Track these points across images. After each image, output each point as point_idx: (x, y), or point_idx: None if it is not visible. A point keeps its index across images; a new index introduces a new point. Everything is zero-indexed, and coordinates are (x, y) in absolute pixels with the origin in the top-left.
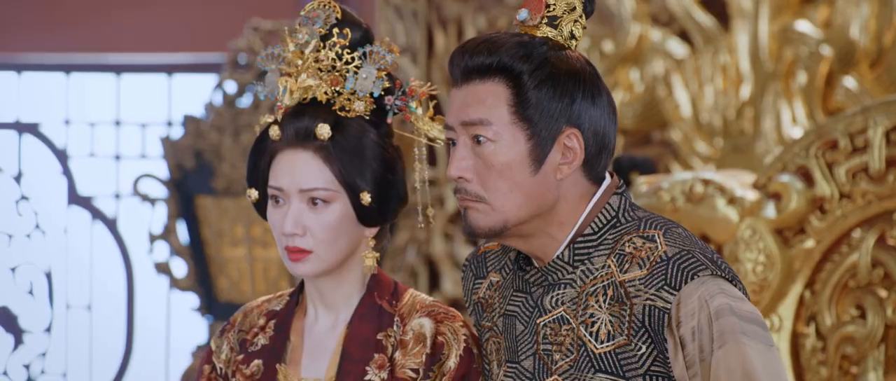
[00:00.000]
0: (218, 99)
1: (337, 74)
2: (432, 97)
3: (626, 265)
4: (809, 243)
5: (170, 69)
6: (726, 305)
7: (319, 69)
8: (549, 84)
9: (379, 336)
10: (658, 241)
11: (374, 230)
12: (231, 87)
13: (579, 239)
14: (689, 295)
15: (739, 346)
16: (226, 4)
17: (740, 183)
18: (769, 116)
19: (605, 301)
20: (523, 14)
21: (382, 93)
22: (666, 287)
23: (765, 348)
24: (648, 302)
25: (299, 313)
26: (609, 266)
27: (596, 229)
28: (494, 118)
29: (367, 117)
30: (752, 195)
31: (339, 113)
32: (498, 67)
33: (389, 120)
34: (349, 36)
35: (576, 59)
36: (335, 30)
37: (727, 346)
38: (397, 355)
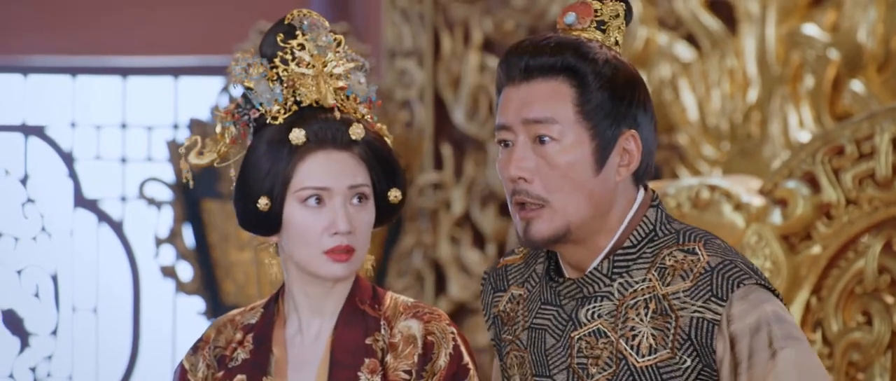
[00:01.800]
0: (224, 102)
1: (345, 79)
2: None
3: (669, 278)
4: (816, 250)
5: (176, 72)
6: (777, 312)
7: (330, 74)
8: (612, 85)
9: (368, 341)
10: (700, 252)
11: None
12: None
13: (619, 251)
14: (738, 300)
15: (802, 348)
16: (232, 7)
17: (746, 189)
18: (776, 120)
19: (647, 315)
20: (571, 17)
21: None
22: (713, 298)
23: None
24: (696, 314)
25: (278, 323)
26: (650, 279)
27: (635, 242)
28: (560, 117)
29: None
30: (758, 201)
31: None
32: (562, 66)
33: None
34: (341, 42)
35: (631, 64)
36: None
37: (791, 348)
38: (389, 358)
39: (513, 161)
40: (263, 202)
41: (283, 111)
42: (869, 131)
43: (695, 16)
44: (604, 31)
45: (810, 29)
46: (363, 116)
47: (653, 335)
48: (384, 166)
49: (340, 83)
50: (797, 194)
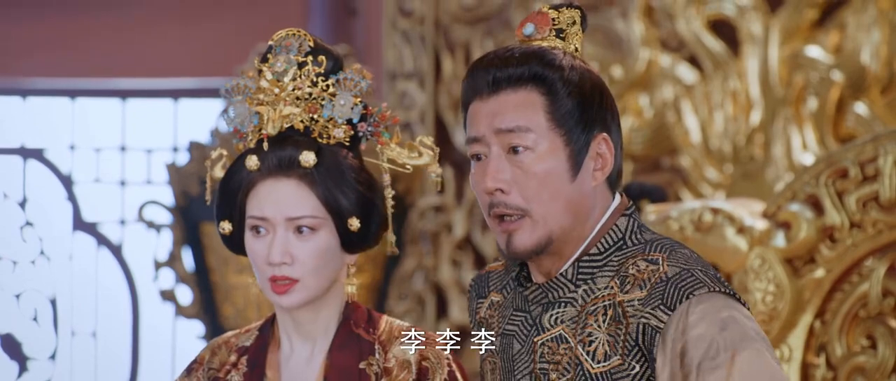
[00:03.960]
0: (223, 125)
1: (314, 101)
2: (400, 124)
3: (628, 286)
4: (819, 273)
5: (175, 94)
6: (733, 316)
7: (297, 98)
8: (580, 91)
9: (361, 365)
10: (661, 263)
11: (354, 258)
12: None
13: (585, 258)
14: (685, 312)
15: (760, 353)
16: (231, 29)
17: (749, 212)
18: (779, 142)
19: (604, 321)
20: (530, 28)
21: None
22: (661, 306)
23: (777, 364)
24: (643, 321)
25: (272, 346)
26: (612, 287)
27: (602, 250)
28: (533, 126)
29: (346, 144)
30: (761, 224)
31: (318, 140)
32: (530, 75)
33: (363, 146)
34: (324, 63)
35: (594, 69)
36: (309, 58)
37: (746, 352)
38: None
39: (488, 173)
40: (225, 227)
41: (256, 135)
42: (873, 154)
43: (697, 37)
44: (563, 39)
45: (813, 51)
46: (339, 139)
47: (607, 341)
48: (339, 194)
49: (296, 109)
50: (800, 217)
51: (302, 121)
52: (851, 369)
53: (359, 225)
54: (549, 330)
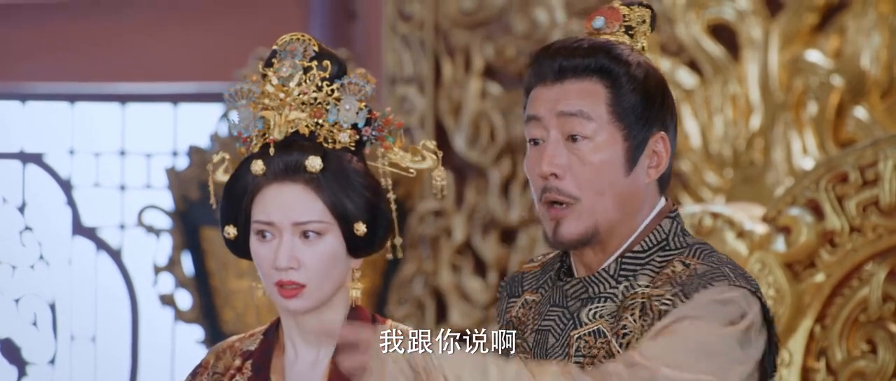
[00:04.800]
0: (223, 130)
1: (319, 106)
2: (404, 128)
3: (659, 282)
4: (819, 278)
5: (175, 99)
6: (733, 299)
7: (302, 102)
8: (644, 87)
9: None
10: (693, 264)
11: (359, 262)
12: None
13: (628, 255)
14: (695, 297)
15: (713, 324)
16: (231, 34)
17: (749, 216)
18: (779, 147)
19: (639, 315)
20: (599, 21)
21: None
22: (680, 293)
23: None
24: (663, 308)
25: (277, 351)
26: (650, 285)
27: (645, 248)
28: (595, 115)
29: (352, 149)
30: (761, 229)
31: (324, 145)
32: (596, 67)
33: (366, 150)
34: (329, 68)
35: (659, 69)
36: (314, 62)
37: (700, 321)
38: None
39: (545, 157)
40: (230, 231)
41: (261, 140)
42: (873, 158)
43: (697, 42)
44: (632, 36)
45: (813, 55)
46: (344, 143)
47: (638, 333)
48: (345, 199)
49: (302, 114)
50: (800, 222)
51: (307, 126)
52: (851, 373)
53: (365, 230)
54: (587, 325)
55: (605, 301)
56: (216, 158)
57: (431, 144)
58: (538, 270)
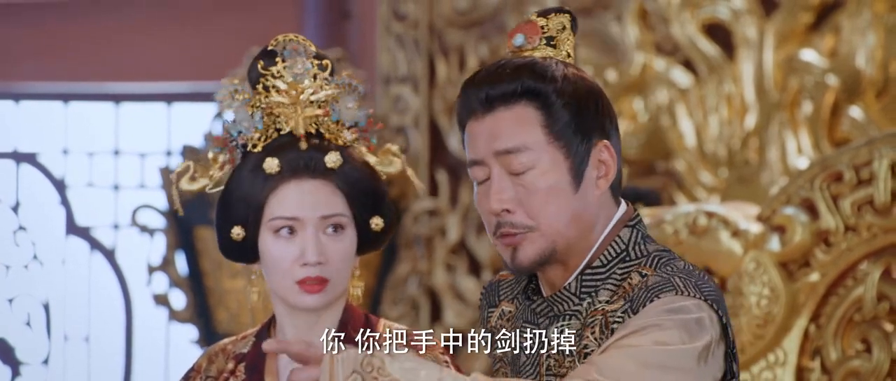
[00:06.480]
0: (217, 129)
1: (325, 104)
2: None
3: (615, 297)
4: (814, 277)
5: (169, 98)
6: (685, 307)
7: (311, 101)
8: (575, 100)
9: None
10: (648, 275)
11: (357, 260)
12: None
13: (588, 271)
14: (642, 310)
15: (671, 332)
16: (225, 34)
17: (744, 216)
18: (774, 146)
19: (600, 333)
20: (519, 39)
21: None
22: (630, 310)
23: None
24: (615, 324)
25: (270, 353)
26: (611, 300)
27: (604, 262)
28: (531, 143)
29: (354, 146)
30: (756, 228)
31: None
32: (523, 91)
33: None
34: (328, 68)
35: (588, 75)
36: (313, 62)
37: (661, 330)
38: None
39: (492, 195)
40: (237, 231)
41: (263, 139)
42: (867, 157)
43: (692, 41)
44: (554, 47)
45: (808, 55)
46: (348, 142)
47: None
48: (364, 194)
49: (318, 111)
50: (795, 221)
51: (317, 123)
52: (846, 373)
53: (382, 225)
54: (555, 344)
55: (570, 319)
56: (179, 167)
57: (394, 147)
58: (513, 279)
